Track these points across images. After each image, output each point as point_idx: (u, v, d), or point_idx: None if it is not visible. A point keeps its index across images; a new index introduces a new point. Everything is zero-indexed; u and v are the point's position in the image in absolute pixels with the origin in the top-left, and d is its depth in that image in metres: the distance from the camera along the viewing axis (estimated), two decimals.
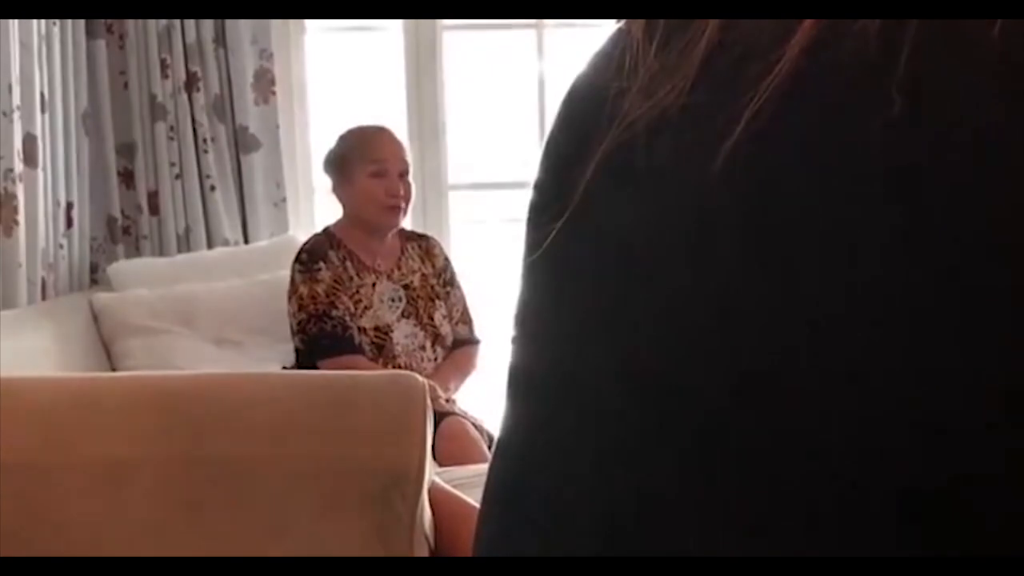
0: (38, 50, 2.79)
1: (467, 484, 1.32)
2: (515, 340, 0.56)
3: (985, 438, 0.38)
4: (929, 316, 0.39)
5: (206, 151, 3.23)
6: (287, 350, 2.64)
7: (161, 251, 3.25)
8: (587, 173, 0.50)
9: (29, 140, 2.76)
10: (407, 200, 2.60)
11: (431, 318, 2.62)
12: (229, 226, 3.29)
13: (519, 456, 0.54)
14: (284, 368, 2.57)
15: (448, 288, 2.72)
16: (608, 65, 0.52)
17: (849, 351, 0.40)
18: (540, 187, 0.56)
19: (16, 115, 2.69)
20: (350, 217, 2.62)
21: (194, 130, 3.22)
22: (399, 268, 2.64)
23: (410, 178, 2.62)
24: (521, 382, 0.55)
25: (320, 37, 3.55)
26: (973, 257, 0.38)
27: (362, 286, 2.55)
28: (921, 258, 0.39)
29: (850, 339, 0.40)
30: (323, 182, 3.43)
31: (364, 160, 2.56)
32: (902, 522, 0.39)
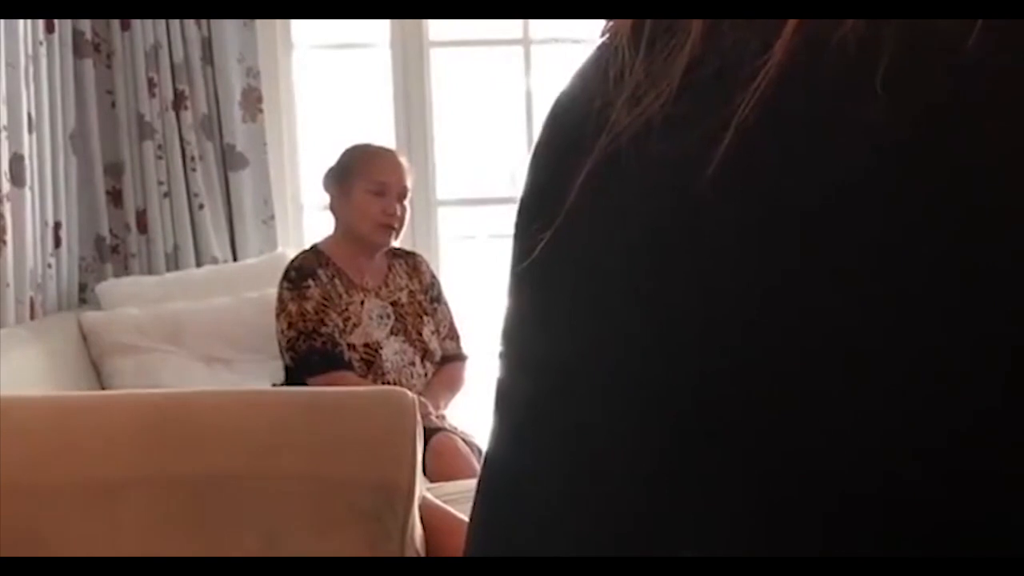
0: (25, 69, 2.79)
1: (458, 499, 1.32)
2: (502, 355, 0.56)
3: (970, 439, 0.38)
4: (921, 321, 0.39)
5: (194, 169, 3.24)
6: (276, 367, 2.64)
7: (150, 270, 3.25)
8: (575, 185, 0.50)
9: (16, 160, 2.76)
10: (401, 223, 2.60)
11: (419, 334, 2.62)
12: (217, 244, 3.29)
13: (508, 471, 0.54)
14: (274, 385, 2.57)
15: (435, 304, 2.72)
16: (593, 77, 0.52)
17: (846, 357, 0.41)
18: (527, 200, 0.56)
19: (3, 135, 2.68)
20: (342, 231, 2.62)
21: (182, 148, 3.23)
22: (387, 285, 2.64)
23: (407, 202, 2.62)
24: (508, 396, 0.55)
25: (307, 54, 3.55)
26: (963, 261, 0.39)
27: (351, 304, 2.55)
28: (913, 262, 0.39)
29: (847, 345, 0.40)
30: (311, 199, 3.45)
31: (365, 177, 2.56)
32: (887, 523, 0.40)
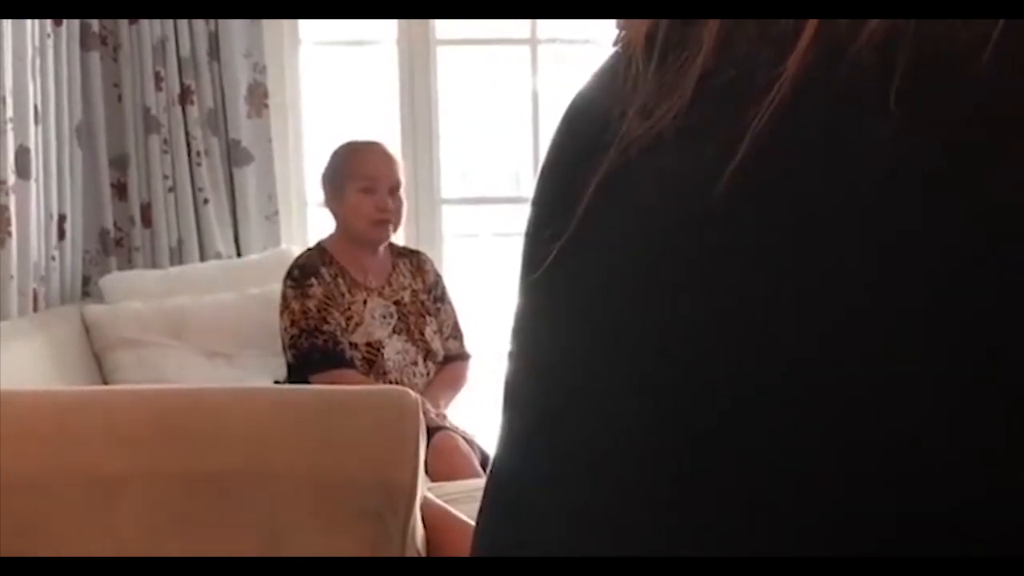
0: (32, 62, 2.79)
1: (459, 499, 1.32)
2: (511, 355, 0.56)
3: (976, 466, 0.38)
4: (942, 336, 0.39)
5: (199, 164, 3.24)
6: (279, 364, 2.64)
7: (154, 263, 3.25)
8: (588, 193, 0.50)
9: (22, 152, 2.76)
10: (398, 215, 2.60)
11: (422, 334, 2.62)
12: (222, 239, 3.29)
13: (515, 471, 0.54)
14: (276, 382, 2.57)
15: (439, 304, 2.72)
16: (610, 84, 0.52)
17: (852, 373, 0.40)
18: (540, 204, 0.56)
19: (9, 127, 2.68)
20: (342, 231, 2.63)
21: (187, 143, 3.23)
22: (390, 284, 2.64)
23: (402, 193, 2.62)
24: (517, 396, 0.55)
25: (314, 51, 3.55)
26: (977, 279, 0.39)
27: (353, 303, 2.55)
28: (933, 276, 0.39)
29: (855, 361, 0.40)
30: (316, 195, 3.44)
31: (354, 176, 2.57)
32: (894, 544, 0.40)
